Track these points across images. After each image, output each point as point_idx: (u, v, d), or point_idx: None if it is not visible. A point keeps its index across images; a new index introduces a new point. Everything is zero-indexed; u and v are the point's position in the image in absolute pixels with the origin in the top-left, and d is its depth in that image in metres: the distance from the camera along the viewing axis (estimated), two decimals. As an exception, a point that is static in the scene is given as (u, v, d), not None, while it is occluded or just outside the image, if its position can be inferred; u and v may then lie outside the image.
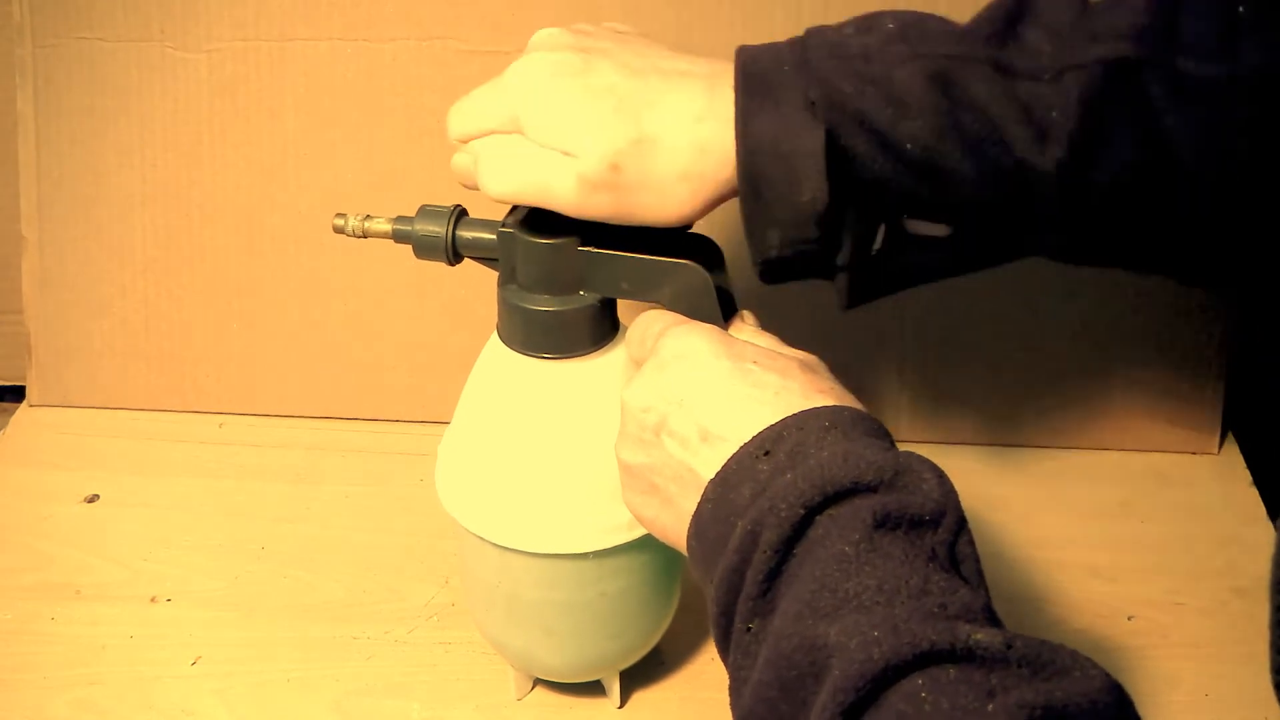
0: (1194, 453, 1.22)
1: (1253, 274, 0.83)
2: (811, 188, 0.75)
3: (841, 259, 0.79)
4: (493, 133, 0.81)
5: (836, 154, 0.75)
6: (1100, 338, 1.19)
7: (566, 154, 0.78)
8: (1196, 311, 1.18)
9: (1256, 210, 0.77)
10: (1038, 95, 0.75)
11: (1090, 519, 1.15)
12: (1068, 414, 1.22)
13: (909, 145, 0.75)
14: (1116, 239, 0.80)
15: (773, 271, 0.80)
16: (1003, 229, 0.79)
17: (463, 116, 0.83)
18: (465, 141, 0.83)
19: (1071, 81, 0.75)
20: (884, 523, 0.66)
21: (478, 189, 0.82)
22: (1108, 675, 0.60)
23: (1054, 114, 0.75)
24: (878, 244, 0.80)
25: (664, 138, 0.77)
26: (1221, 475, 1.20)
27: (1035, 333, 1.19)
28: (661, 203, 0.78)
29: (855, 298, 0.81)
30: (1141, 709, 0.94)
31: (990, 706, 0.57)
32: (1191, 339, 1.19)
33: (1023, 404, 1.21)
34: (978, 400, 1.21)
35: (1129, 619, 1.06)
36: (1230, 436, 1.22)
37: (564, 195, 0.79)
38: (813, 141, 0.75)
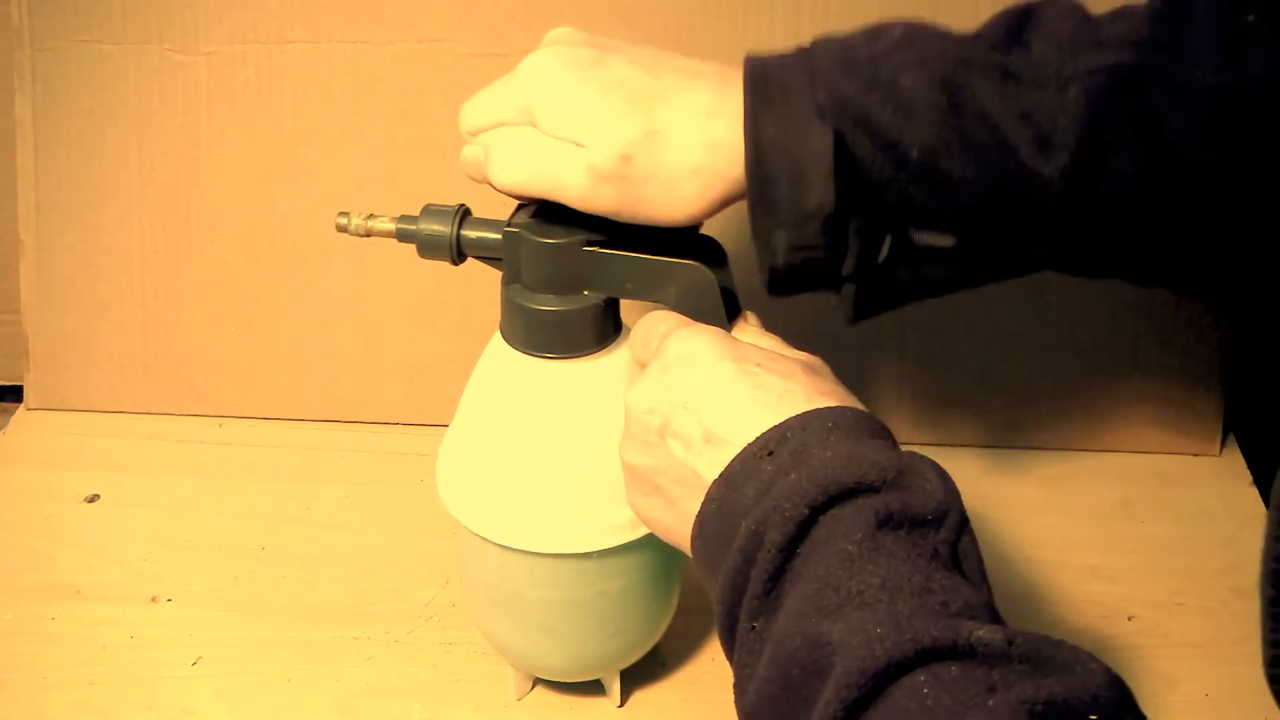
0: (1195, 454, 1.22)
1: (1256, 287, 0.83)
2: (818, 190, 0.75)
3: (847, 268, 0.79)
4: (504, 124, 0.82)
5: (843, 158, 0.76)
6: (1101, 340, 1.19)
7: (578, 145, 0.78)
8: (1198, 314, 1.18)
9: (1261, 221, 0.77)
10: (1042, 103, 0.76)
11: (1090, 519, 1.16)
12: (1069, 416, 1.22)
13: (914, 150, 0.76)
14: (1120, 250, 0.80)
15: (779, 280, 0.80)
16: (1007, 239, 0.79)
17: (474, 109, 0.83)
18: (476, 134, 0.83)
19: (1076, 89, 0.75)
20: (887, 522, 0.66)
21: (487, 182, 0.82)
22: (1109, 670, 0.60)
23: (1059, 121, 0.75)
24: (883, 254, 0.80)
25: (676, 132, 0.78)
26: (1222, 475, 1.20)
27: (1036, 335, 1.19)
28: (670, 198, 0.79)
29: (861, 310, 0.82)
30: (1141, 709, 0.94)
31: (991, 702, 0.57)
32: (1192, 341, 1.19)
33: (1023, 406, 1.22)
34: (978, 403, 1.22)
35: (1129, 619, 1.06)
36: (1231, 438, 1.22)
37: (574, 186, 0.79)
38: (821, 144, 0.75)
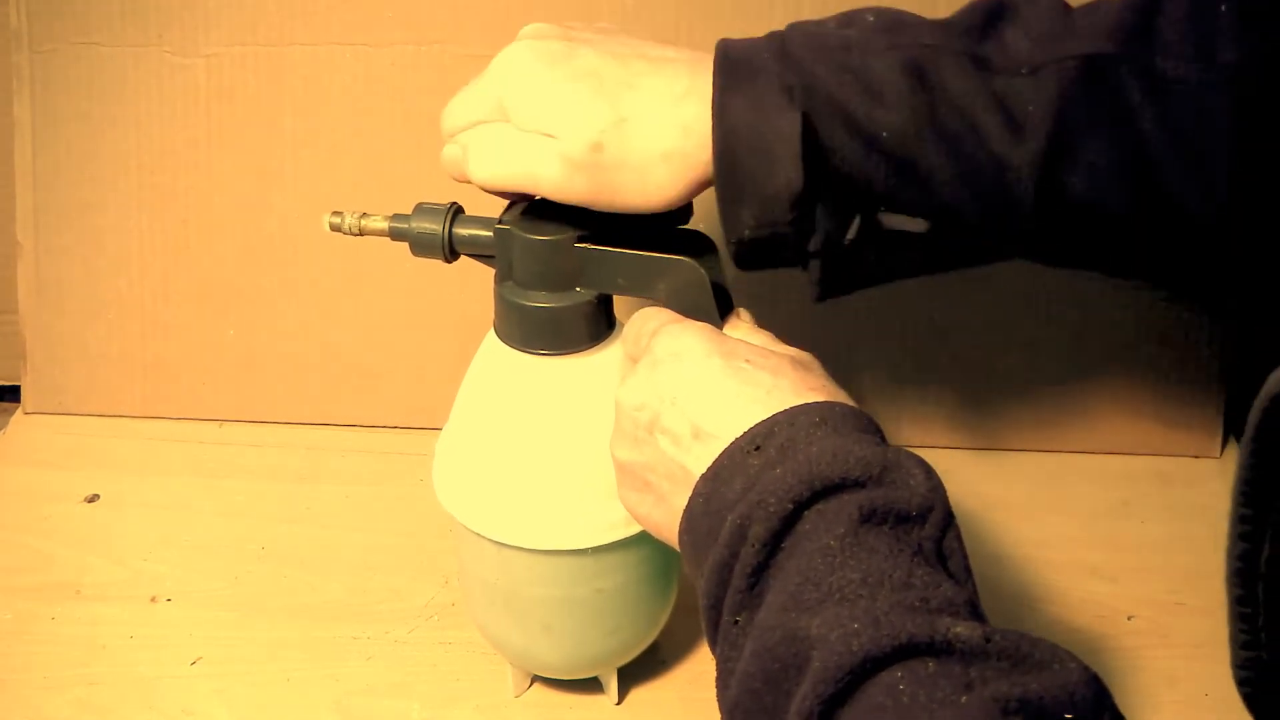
0: (1195, 456, 1.22)
1: (1231, 280, 0.82)
2: (785, 171, 0.75)
3: (814, 245, 0.79)
4: (481, 123, 0.82)
5: (812, 141, 0.76)
6: (1102, 342, 1.19)
7: (549, 136, 0.79)
8: (1199, 316, 1.18)
9: (1234, 213, 0.76)
10: (1014, 90, 0.75)
11: (1091, 519, 1.15)
12: (1069, 418, 1.22)
13: (884, 134, 0.76)
14: (1092, 240, 0.79)
15: (746, 254, 0.80)
16: (977, 226, 0.79)
17: (452, 110, 0.84)
18: (455, 135, 0.83)
19: (1048, 77, 0.75)
20: (870, 517, 0.66)
21: (468, 181, 0.83)
22: (1086, 668, 0.60)
23: (1030, 108, 0.75)
24: (851, 235, 0.79)
25: (646, 117, 0.78)
26: (1222, 475, 1.20)
27: (1036, 336, 1.19)
28: (643, 184, 0.79)
29: (827, 289, 0.81)
30: (1141, 709, 0.94)
31: (965, 699, 0.57)
32: (1193, 343, 1.19)
33: (1024, 408, 1.22)
34: (978, 404, 1.21)
35: (1129, 619, 1.06)
36: (1232, 439, 1.22)
37: (548, 178, 0.79)
38: (789, 126, 0.75)
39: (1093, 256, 0.82)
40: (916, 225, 0.79)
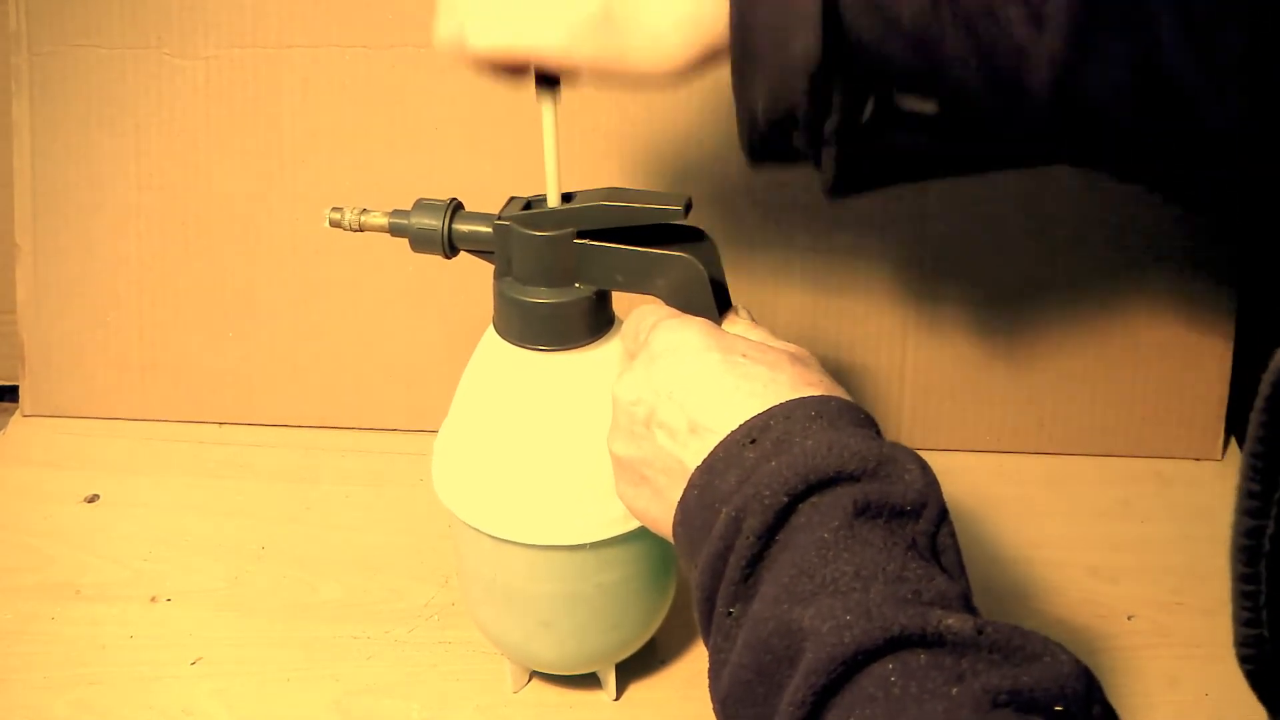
0: (1197, 459, 1.22)
1: (1242, 193, 0.80)
2: (804, 42, 0.72)
3: (829, 127, 0.75)
4: None
5: (832, 14, 0.73)
6: (1103, 344, 1.20)
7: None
8: (1201, 317, 1.18)
9: (1248, 125, 0.74)
10: None
11: (1090, 519, 1.16)
12: (1071, 420, 1.22)
13: (905, 13, 0.73)
14: (1104, 140, 0.77)
15: (758, 141, 0.77)
16: (995, 114, 0.76)
17: None
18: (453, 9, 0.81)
19: None
20: (864, 511, 0.66)
21: (465, 61, 0.80)
22: (1077, 660, 0.60)
23: (1051, 3, 0.71)
24: (866, 116, 0.76)
25: None
26: (1222, 476, 1.20)
27: (1037, 337, 1.20)
28: (654, 49, 0.76)
29: (841, 182, 0.78)
30: (1141, 709, 0.94)
31: (954, 690, 0.58)
32: (1195, 345, 1.19)
33: (1024, 409, 1.22)
34: (979, 405, 1.22)
35: (1129, 619, 1.06)
36: (1233, 441, 1.22)
37: (553, 44, 0.77)
38: None
39: (1104, 157, 0.80)
40: (929, 107, 0.76)
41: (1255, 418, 0.58)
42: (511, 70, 0.81)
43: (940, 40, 0.72)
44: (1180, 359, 1.19)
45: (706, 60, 0.77)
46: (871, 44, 0.73)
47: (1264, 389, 0.57)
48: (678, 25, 0.75)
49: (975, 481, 1.17)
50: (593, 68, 0.77)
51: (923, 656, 0.59)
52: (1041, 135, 0.77)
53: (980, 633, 0.60)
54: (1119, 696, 0.97)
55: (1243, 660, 0.63)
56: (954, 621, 0.60)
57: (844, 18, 0.73)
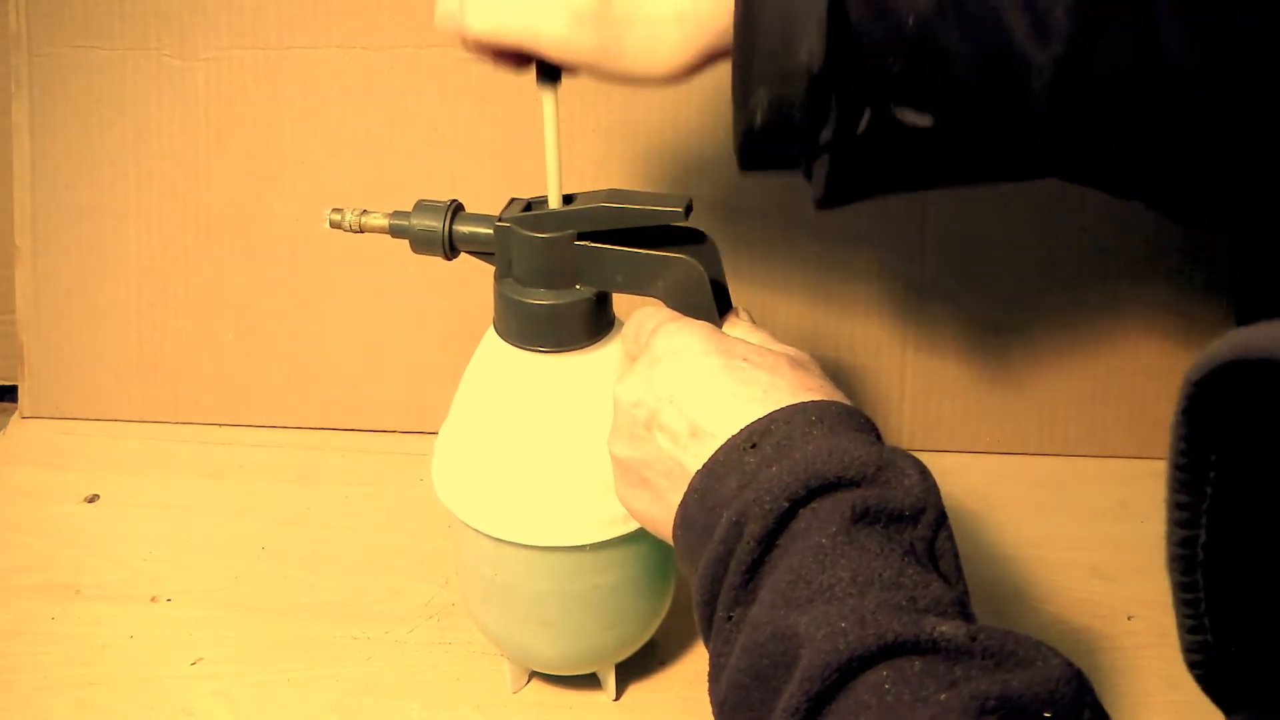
0: (1197, 460, 1.22)
1: (1238, 207, 0.80)
2: (808, 45, 0.72)
3: (825, 136, 0.75)
4: None
5: (837, 19, 0.73)
6: (1102, 346, 1.20)
7: None
8: (1199, 318, 1.19)
9: (1255, 132, 0.74)
10: None
11: (1090, 519, 1.16)
12: (1071, 421, 1.22)
13: (910, 19, 0.73)
14: (1102, 150, 0.77)
15: (753, 148, 0.77)
16: (991, 125, 0.76)
17: None
18: None
19: None
20: (863, 516, 0.66)
21: (461, 39, 0.80)
22: (1069, 664, 0.60)
23: (1056, 9, 0.72)
24: (862, 126, 0.76)
25: None
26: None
27: (1037, 338, 1.20)
28: (652, 46, 0.76)
29: (832, 192, 0.78)
30: (1141, 709, 0.94)
31: (944, 696, 0.58)
32: (1194, 346, 1.19)
33: (1025, 411, 1.22)
34: (979, 406, 1.22)
35: (1129, 619, 1.06)
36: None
37: (550, 31, 0.77)
38: None
39: (1103, 171, 0.79)
40: (924, 121, 0.76)
41: (1174, 430, 0.57)
42: (508, 56, 0.81)
43: (943, 46, 0.73)
44: (1179, 360, 1.19)
45: (704, 59, 0.77)
46: (876, 49, 0.73)
47: (1181, 401, 0.57)
48: (678, 21, 0.75)
49: (975, 482, 1.17)
50: (590, 60, 0.77)
51: (917, 663, 0.59)
52: (1034, 146, 0.77)
53: (974, 639, 0.60)
54: (1119, 696, 0.97)
55: (1191, 666, 0.63)
56: (948, 628, 0.60)
57: (849, 22, 0.73)
